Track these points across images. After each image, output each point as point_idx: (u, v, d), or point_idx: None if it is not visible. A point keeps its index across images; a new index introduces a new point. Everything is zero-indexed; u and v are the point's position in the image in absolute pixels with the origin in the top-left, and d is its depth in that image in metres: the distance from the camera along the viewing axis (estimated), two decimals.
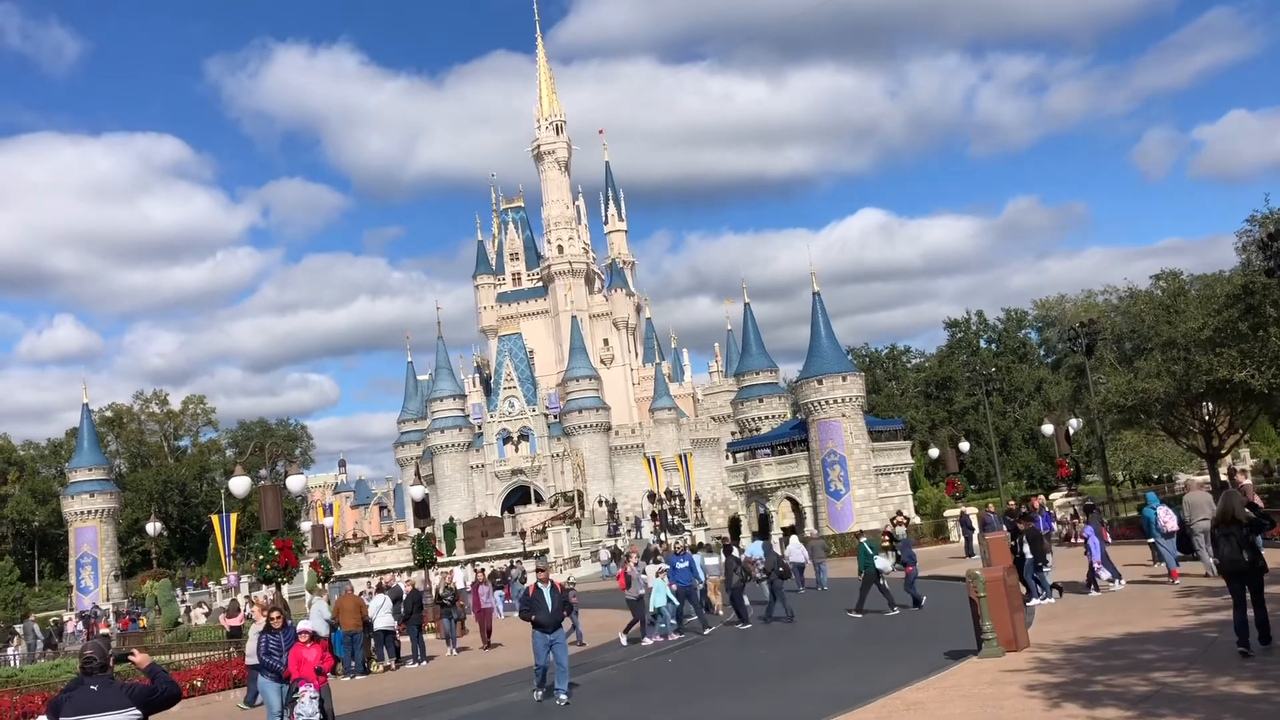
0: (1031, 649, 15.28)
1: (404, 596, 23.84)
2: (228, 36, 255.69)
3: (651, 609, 21.76)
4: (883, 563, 23.88)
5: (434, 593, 24.15)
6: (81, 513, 75.67)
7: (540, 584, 15.50)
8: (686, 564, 22.95)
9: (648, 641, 21.46)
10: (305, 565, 46.32)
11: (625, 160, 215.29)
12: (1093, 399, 35.30)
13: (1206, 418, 33.90)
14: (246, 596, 51.88)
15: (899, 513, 39.77)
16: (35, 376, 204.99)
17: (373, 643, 23.17)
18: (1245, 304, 28.50)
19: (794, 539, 34.55)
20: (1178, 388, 31.68)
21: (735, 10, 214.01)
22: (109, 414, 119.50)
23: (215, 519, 76.19)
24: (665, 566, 22.67)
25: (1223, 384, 29.31)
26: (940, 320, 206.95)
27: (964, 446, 47.07)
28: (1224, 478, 26.56)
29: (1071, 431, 37.25)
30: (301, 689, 13.04)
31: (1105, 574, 21.49)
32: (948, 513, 46.61)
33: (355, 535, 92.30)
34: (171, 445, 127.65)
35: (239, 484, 23.67)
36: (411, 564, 69.10)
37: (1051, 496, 38.65)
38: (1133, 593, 20.89)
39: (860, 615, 22.30)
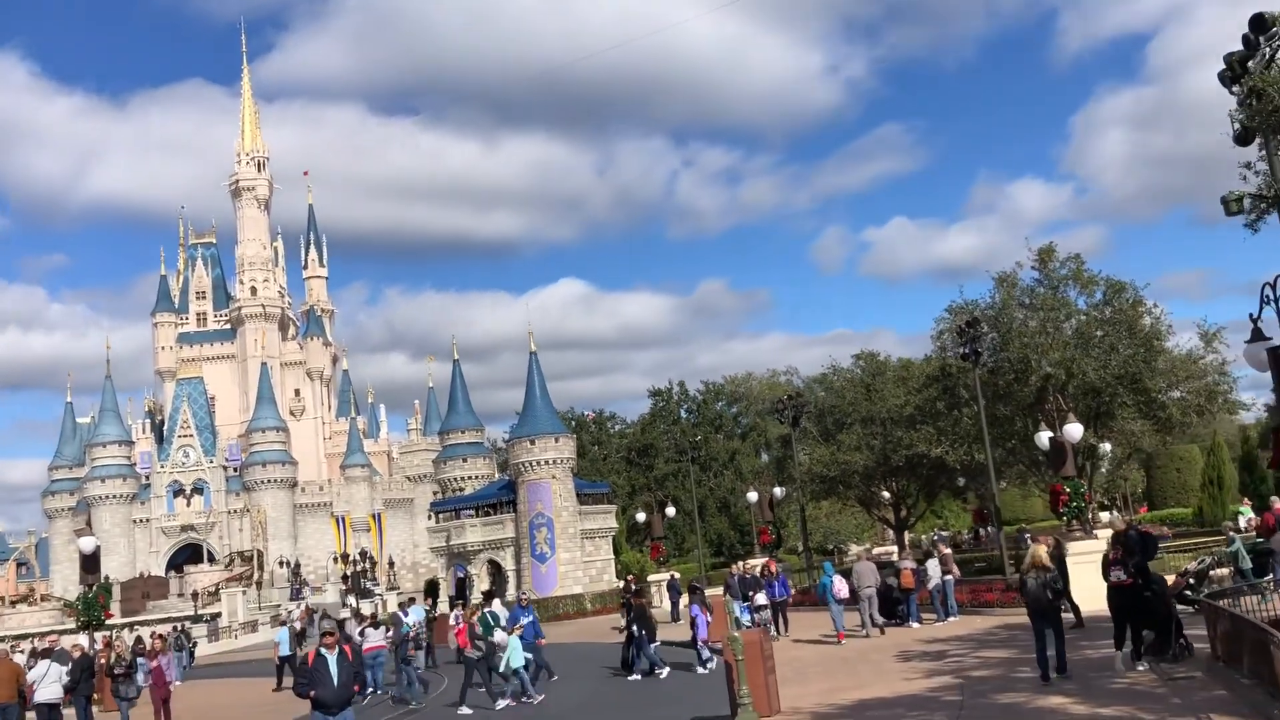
0: (785, 714, 15.03)
1: (71, 663, 20.48)
2: None
3: (505, 668, 19.65)
4: (500, 637, 23.72)
5: (110, 660, 20.88)
6: None
7: (324, 650, 12.16)
8: (531, 618, 21.00)
9: (501, 705, 19.27)
10: None
11: (327, 207, 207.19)
12: (797, 469, 36.88)
13: (897, 491, 36.13)
14: None
15: (630, 576, 39.48)
16: None
17: (29, 718, 19.68)
18: (942, 385, 30.70)
19: (497, 602, 34.02)
20: (876, 460, 33.53)
21: (451, 68, 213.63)
22: None
23: None
24: (525, 620, 20.49)
25: (920, 458, 31.29)
26: (631, 391, 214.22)
27: (670, 511, 47.73)
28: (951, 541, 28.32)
29: (776, 500, 38.63)
30: None
31: (705, 652, 22.01)
32: (652, 578, 46.95)
33: None
34: None
35: None
36: (65, 626, 61.51)
37: (746, 564, 39.49)
38: (835, 654, 21.54)
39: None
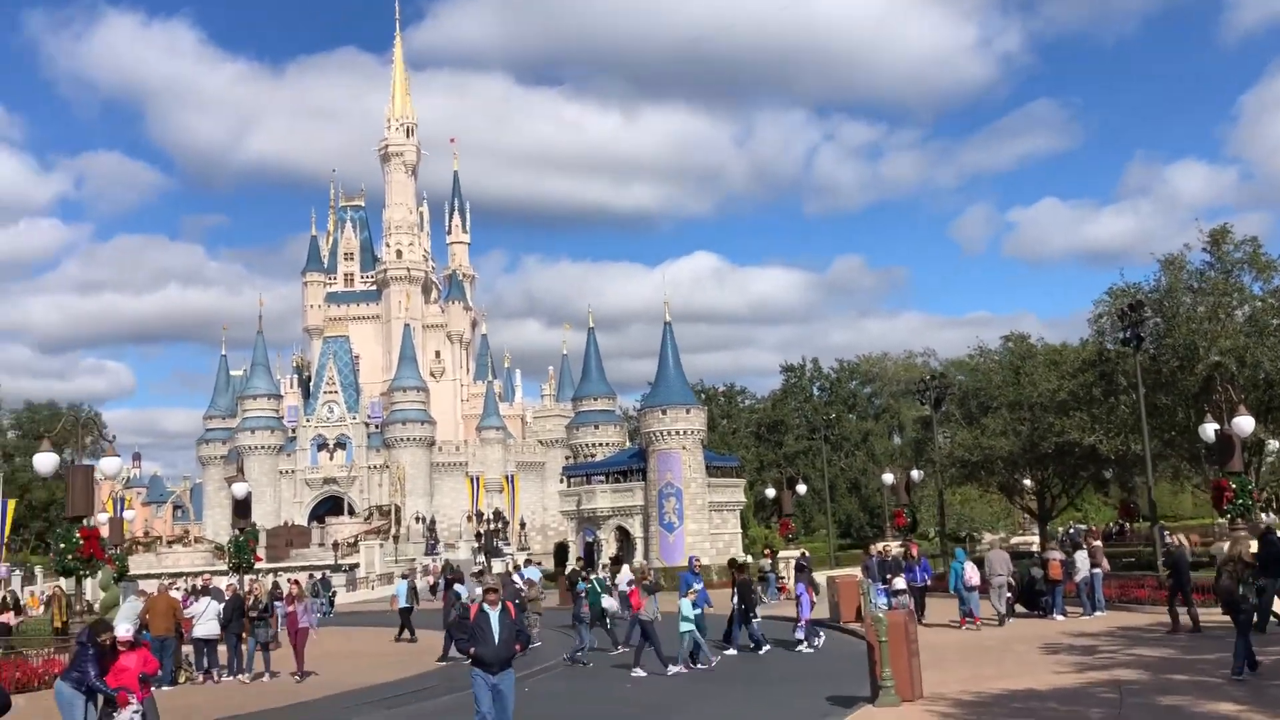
0: (927, 699, 14.54)
1: (224, 601, 21.37)
2: None
3: (681, 631, 19.57)
4: (609, 603, 24.01)
5: (254, 600, 21.68)
6: None
7: (487, 606, 11.62)
8: (700, 585, 20.69)
9: (673, 670, 18.91)
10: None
11: (470, 174, 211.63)
12: (937, 451, 35.81)
13: (1042, 479, 34.74)
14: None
15: (767, 547, 39.20)
16: None
17: (184, 651, 20.64)
18: (1099, 370, 29.27)
19: (625, 568, 34.01)
20: (1022, 446, 32.27)
21: (595, 39, 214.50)
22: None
23: None
24: (697, 587, 20.43)
25: (1069, 447, 29.97)
26: (760, 367, 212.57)
27: (800, 488, 47.12)
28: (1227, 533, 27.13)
29: (914, 482, 37.64)
30: (122, 706, 10.89)
31: (800, 634, 21.78)
32: (781, 553, 46.50)
33: (146, 534, 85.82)
34: None
35: (44, 460, 20.67)
36: (216, 567, 64.65)
37: (885, 546, 38.66)
38: (974, 642, 20.89)
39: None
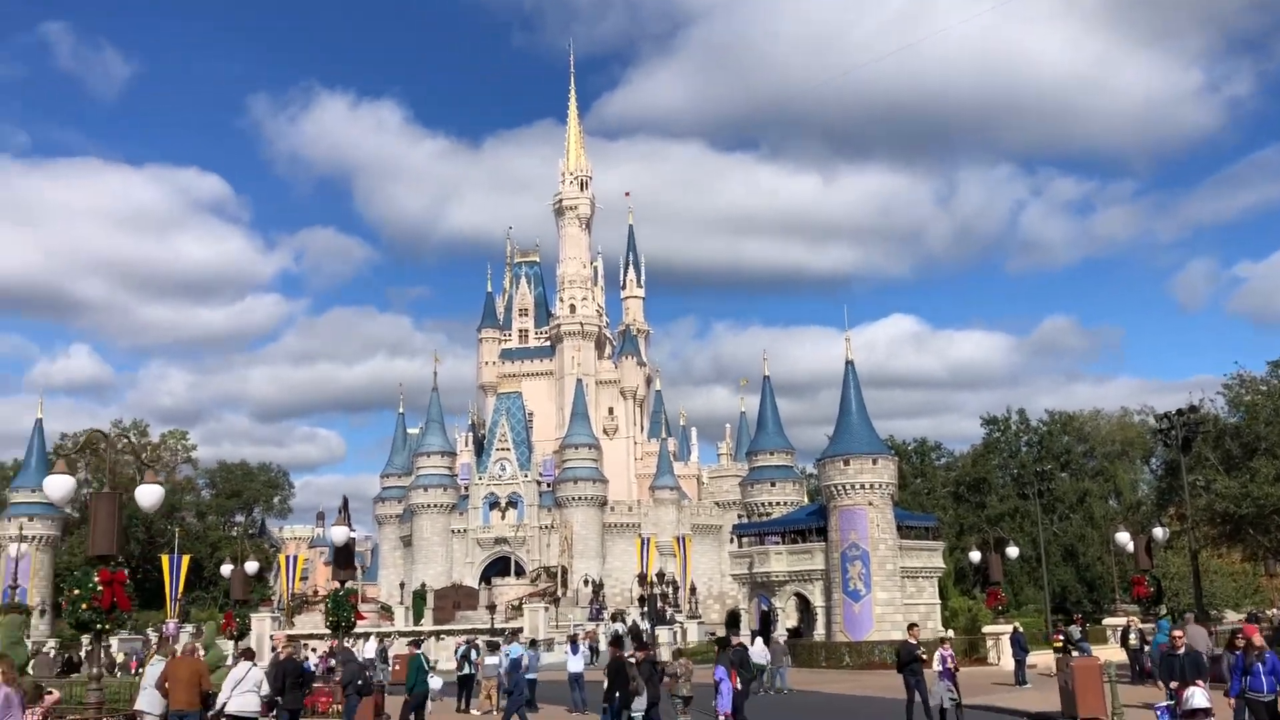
0: None
1: (276, 666, 17.16)
2: (273, 75, 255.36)
3: None
4: (435, 683, 21.12)
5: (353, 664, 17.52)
6: (15, 538, 68.69)
7: None
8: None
9: None
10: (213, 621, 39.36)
11: (661, 241, 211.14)
12: (1189, 505, 28.65)
13: None
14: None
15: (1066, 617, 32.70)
16: (42, 405, 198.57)
17: None
18: None
19: (758, 640, 34.38)
20: None
21: (791, 101, 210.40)
22: (81, 439, 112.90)
23: (165, 559, 69.18)
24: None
25: None
26: (960, 434, 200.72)
27: (1011, 552, 40.13)
28: None
29: (1157, 542, 30.47)
30: None
31: None
32: (987, 629, 39.57)
33: (315, 592, 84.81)
34: (145, 480, 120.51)
35: (148, 493, 17.11)
36: (381, 629, 62.15)
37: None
38: None
39: None
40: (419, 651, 20.55)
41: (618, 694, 17.30)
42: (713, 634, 62.63)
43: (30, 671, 32.77)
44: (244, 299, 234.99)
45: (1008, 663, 33.42)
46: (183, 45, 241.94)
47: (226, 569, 44.58)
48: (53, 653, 50.60)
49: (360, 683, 19.50)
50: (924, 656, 20.98)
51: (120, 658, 54.38)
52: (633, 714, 17.35)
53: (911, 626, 23.95)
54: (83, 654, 45.66)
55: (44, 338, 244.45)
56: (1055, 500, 64.93)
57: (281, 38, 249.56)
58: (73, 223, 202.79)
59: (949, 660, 21.11)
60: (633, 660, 18.05)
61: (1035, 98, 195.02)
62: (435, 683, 20.80)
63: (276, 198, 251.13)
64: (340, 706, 22.25)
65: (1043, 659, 33.87)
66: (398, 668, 47.66)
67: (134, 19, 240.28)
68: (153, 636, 64.51)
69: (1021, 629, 33.05)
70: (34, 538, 70.11)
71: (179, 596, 69.09)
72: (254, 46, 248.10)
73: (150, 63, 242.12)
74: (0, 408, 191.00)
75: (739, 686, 18.78)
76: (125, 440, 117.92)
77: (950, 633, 40.55)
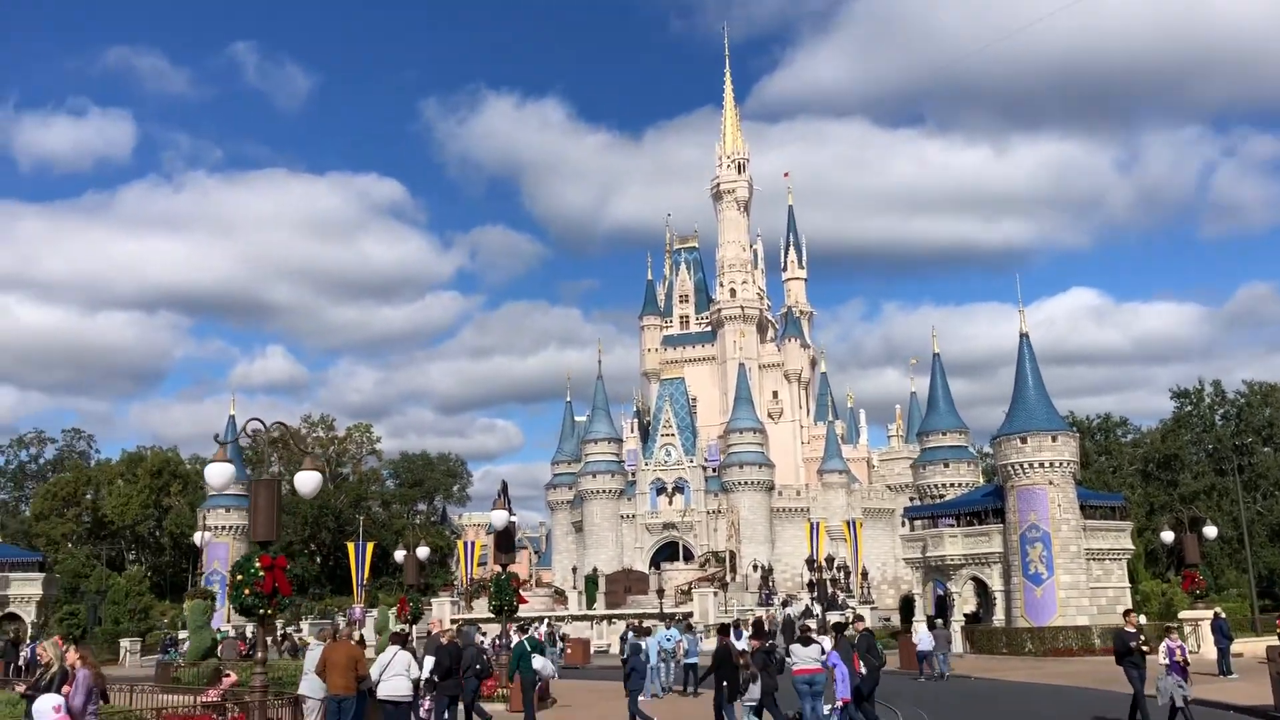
0: None
1: (438, 650, 17.20)
2: (442, 79, 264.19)
3: None
4: (540, 663, 19.81)
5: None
6: (215, 528, 73.03)
7: None
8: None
9: None
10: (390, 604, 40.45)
11: (827, 223, 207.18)
12: None
13: None
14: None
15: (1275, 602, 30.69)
16: (241, 404, 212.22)
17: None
18: None
19: (922, 627, 34.89)
20: None
21: (958, 72, 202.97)
22: (275, 434, 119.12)
23: (351, 546, 72.22)
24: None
25: None
26: (1149, 410, 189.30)
27: (1209, 532, 37.31)
28: None
29: None
30: None
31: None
32: (1184, 614, 36.98)
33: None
34: (333, 471, 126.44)
35: (306, 480, 17.23)
36: (555, 612, 63.27)
37: None
38: None
39: None
40: (523, 638, 20.35)
41: (725, 683, 16.77)
42: (886, 620, 60.95)
43: (219, 655, 34.50)
44: (424, 297, 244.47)
45: (1208, 651, 31.11)
46: (356, 57, 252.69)
47: (400, 554, 46.07)
48: (250, 635, 53.54)
49: (479, 666, 19.44)
50: (1145, 646, 18.97)
51: (312, 641, 57.18)
52: (746, 703, 16.79)
53: (1128, 613, 22.10)
54: (278, 635, 48.01)
55: (243, 341, 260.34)
56: (1258, 477, 60.29)
57: (448, 43, 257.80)
58: (264, 231, 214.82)
59: (1178, 652, 19.38)
60: (745, 650, 17.61)
61: (1227, 49, 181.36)
62: (544, 666, 20.66)
63: (450, 198, 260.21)
64: (505, 690, 22.38)
65: (1249, 647, 31.38)
66: (569, 650, 48.34)
67: (312, 34, 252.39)
68: (340, 621, 67.58)
69: (1224, 615, 30.66)
70: (225, 528, 73.98)
71: (364, 582, 71.94)
72: (422, 53, 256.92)
73: (328, 75, 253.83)
74: (208, 407, 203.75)
75: (863, 671, 17.89)
76: (304, 433, 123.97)
77: (1142, 618, 38.03)
